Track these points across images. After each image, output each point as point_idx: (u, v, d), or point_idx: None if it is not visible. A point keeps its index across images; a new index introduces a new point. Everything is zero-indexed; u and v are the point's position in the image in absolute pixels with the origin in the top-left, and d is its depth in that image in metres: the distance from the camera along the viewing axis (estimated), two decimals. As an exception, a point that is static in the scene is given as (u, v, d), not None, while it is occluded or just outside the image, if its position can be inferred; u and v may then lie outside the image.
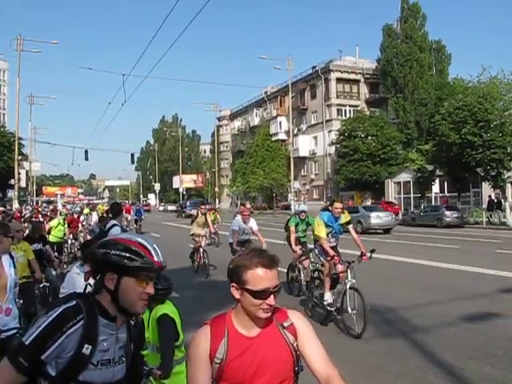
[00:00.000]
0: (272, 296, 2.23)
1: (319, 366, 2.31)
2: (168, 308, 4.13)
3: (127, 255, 2.12)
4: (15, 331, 4.56)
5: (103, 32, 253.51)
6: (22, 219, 21.10)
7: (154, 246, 2.22)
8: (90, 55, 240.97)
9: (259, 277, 2.23)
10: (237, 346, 2.27)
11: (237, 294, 2.28)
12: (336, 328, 8.48)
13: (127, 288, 2.14)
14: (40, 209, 32.14)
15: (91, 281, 2.36)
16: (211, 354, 2.26)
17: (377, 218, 30.72)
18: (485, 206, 36.71)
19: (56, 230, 15.30)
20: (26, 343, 1.99)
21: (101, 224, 15.49)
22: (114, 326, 2.20)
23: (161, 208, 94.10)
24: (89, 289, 2.24)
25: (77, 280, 5.13)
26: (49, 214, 22.61)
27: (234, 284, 2.28)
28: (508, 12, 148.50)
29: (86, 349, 2.07)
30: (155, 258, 2.18)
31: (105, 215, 18.92)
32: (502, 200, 36.62)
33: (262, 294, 2.22)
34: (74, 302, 2.10)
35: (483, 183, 39.20)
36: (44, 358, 2.00)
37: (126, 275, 2.13)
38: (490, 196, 37.22)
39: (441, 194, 45.12)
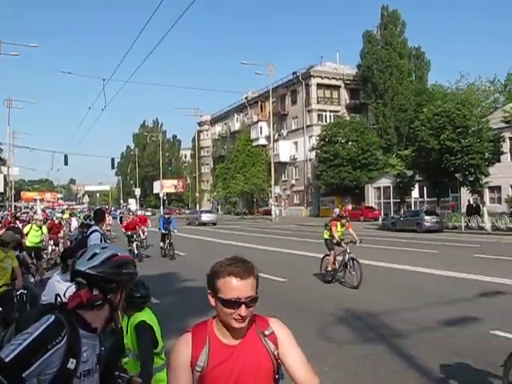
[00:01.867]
0: (243, 307, 2.19)
1: (300, 374, 2.32)
2: (146, 315, 4.11)
3: (134, 271, 2.31)
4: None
5: (83, 36, 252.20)
6: (1, 225, 20.85)
7: None
8: (69, 59, 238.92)
9: (230, 286, 2.20)
10: (218, 354, 2.26)
11: (212, 302, 2.27)
12: (317, 331, 8.50)
13: (123, 299, 2.31)
14: (18, 214, 31.63)
15: (61, 291, 2.37)
16: (192, 362, 2.25)
17: (205, 217, 53.19)
18: (464, 210, 37.10)
19: (30, 235, 15.15)
20: (6, 360, 1.92)
21: (82, 230, 15.40)
22: (92, 336, 2.20)
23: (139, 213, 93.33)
24: (59, 299, 2.25)
25: (57, 288, 5.08)
26: (28, 219, 22.38)
27: (210, 291, 2.27)
28: (486, 19, 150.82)
29: (71, 363, 2.05)
30: None
31: (84, 222, 18.79)
32: (480, 205, 37.03)
33: (232, 304, 2.19)
34: (54, 317, 2.07)
35: (462, 188, 39.60)
36: (25, 376, 1.95)
37: (126, 288, 2.32)
38: (468, 201, 37.67)
39: (420, 199, 45.49)
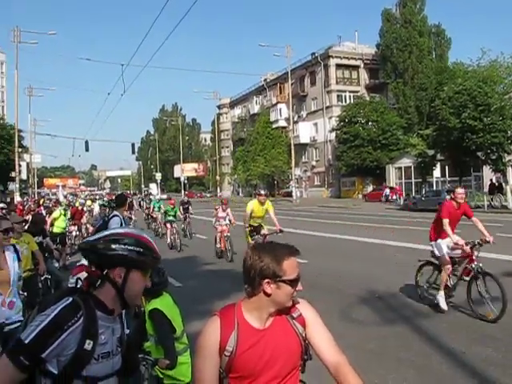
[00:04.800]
0: (300, 282, 2.32)
1: (328, 354, 2.35)
2: (160, 302, 4.12)
3: (140, 250, 2.18)
4: (19, 324, 4.58)
5: (101, 22, 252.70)
6: (24, 211, 21.13)
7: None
8: (88, 46, 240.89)
9: (295, 265, 2.30)
10: (247, 339, 2.27)
11: (269, 289, 2.25)
12: (338, 312, 8.50)
13: (134, 281, 2.20)
14: (41, 201, 31.92)
15: (81, 275, 2.38)
16: (221, 346, 2.25)
17: None
18: (486, 189, 36.66)
19: (59, 220, 15.35)
20: (26, 341, 1.98)
21: (103, 214, 15.55)
22: (110, 318, 2.22)
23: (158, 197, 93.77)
24: (79, 283, 2.25)
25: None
26: (51, 206, 22.61)
27: (268, 280, 2.25)
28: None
29: (88, 344, 2.08)
30: (157, 252, 2.29)
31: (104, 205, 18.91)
32: (503, 183, 36.53)
33: (296, 282, 2.29)
34: (71, 299, 2.10)
35: (484, 167, 39.08)
36: (45, 356, 2.00)
37: (135, 268, 2.20)
38: (491, 180, 37.14)
39: (442, 179, 45.03)
